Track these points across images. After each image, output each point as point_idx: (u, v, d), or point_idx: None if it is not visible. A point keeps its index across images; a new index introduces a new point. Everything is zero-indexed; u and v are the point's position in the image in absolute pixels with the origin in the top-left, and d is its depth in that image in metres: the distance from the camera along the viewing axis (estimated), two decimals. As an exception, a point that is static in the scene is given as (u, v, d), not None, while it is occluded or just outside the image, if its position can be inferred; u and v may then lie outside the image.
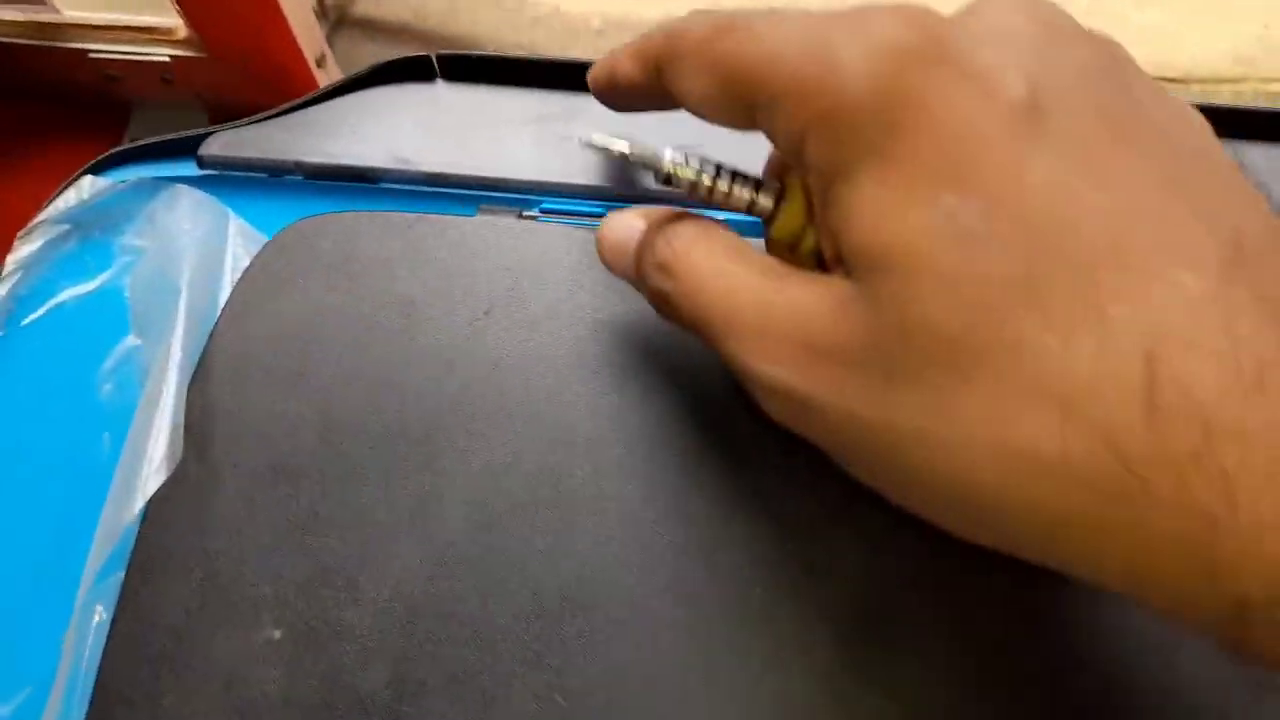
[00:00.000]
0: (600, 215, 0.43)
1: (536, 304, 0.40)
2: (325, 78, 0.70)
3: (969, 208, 0.22)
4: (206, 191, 0.43)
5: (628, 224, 0.34)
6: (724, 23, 0.27)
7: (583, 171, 0.44)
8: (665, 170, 0.32)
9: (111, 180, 0.44)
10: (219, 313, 0.41)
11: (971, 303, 0.22)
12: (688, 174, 0.32)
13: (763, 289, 0.27)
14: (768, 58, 0.25)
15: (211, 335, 0.40)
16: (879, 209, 0.24)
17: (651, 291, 0.31)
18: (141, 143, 0.43)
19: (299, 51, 0.66)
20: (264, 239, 0.43)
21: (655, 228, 0.31)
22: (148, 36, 0.68)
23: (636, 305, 0.40)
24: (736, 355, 0.27)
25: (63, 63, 0.69)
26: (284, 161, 0.43)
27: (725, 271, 0.28)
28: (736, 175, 0.32)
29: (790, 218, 0.31)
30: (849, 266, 0.25)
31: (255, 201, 0.44)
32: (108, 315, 0.42)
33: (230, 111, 0.75)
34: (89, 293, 0.42)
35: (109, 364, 0.41)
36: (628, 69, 0.31)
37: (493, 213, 0.43)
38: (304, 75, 0.69)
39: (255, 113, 0.74)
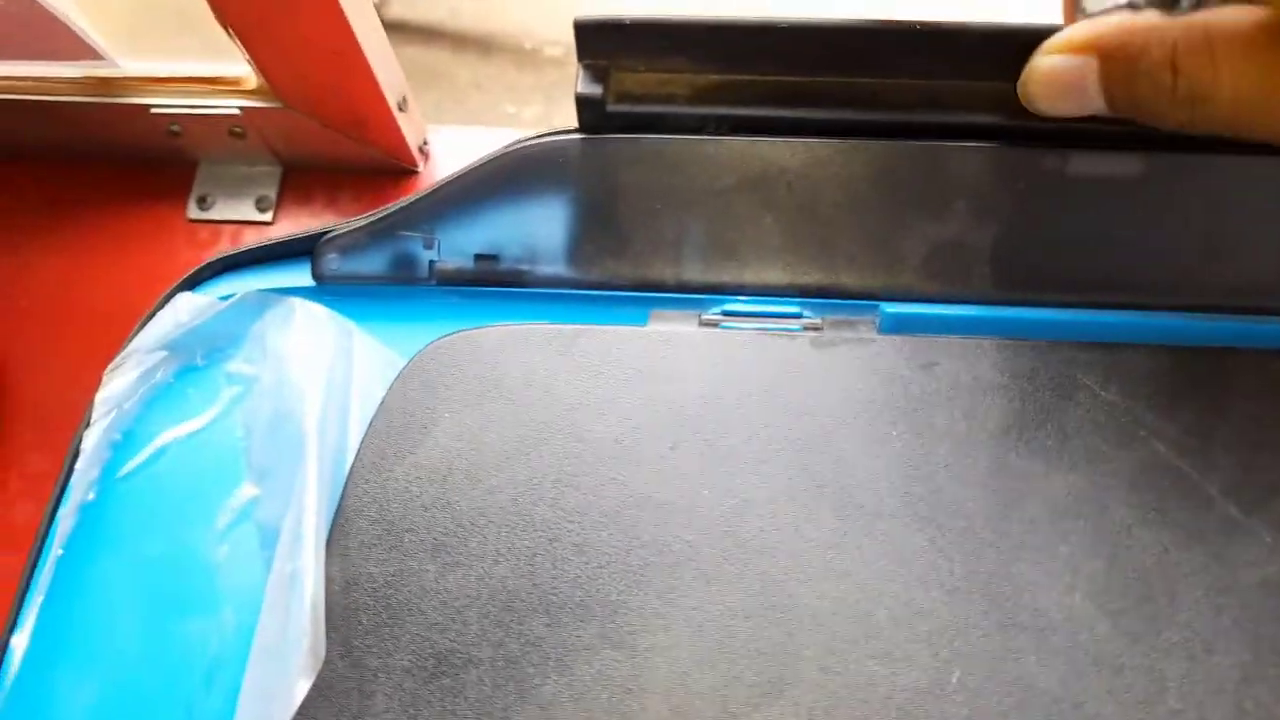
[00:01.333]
0: (794, 316, 0.36)
1: (733, 431, 0.33)
2: (408, 122, 0.63)
3: None
4: (325, 302, 0.37)
5: (1067, 63, 0.30)
6: None
7: (771, 261, 0.36)
8: None
9: (211, 296, 0.37)
10: (352, 455, 0.34)
11: None
12: None
13: None
14: None
15: (347, 486, 0.33)
16: None
17: (1173, 122, 0.29)
18: (244, 249, 0.37)
19: (381, 97, 0.59)
20: (398, 359, 0.36)
21: (1135, 51, 0.29)
22: (215, 88, 0.61)
23: (850, 424, 0.33)
24: None
25: (122, 119, 0.63)
26: (416, 269, 0.36)
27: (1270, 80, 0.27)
28: None
29: None
30: None
31: (384, 311, 0.37)
32: (219, 460, 0.35)
33: (306, 164, 0.69)
34: (195, 433, 0.36)
35: (224, 521, 0.35)
36: None
37: (668, 319, 0.36)
38: (387, 122, 0.62)
39: (333, 165, 0.67)
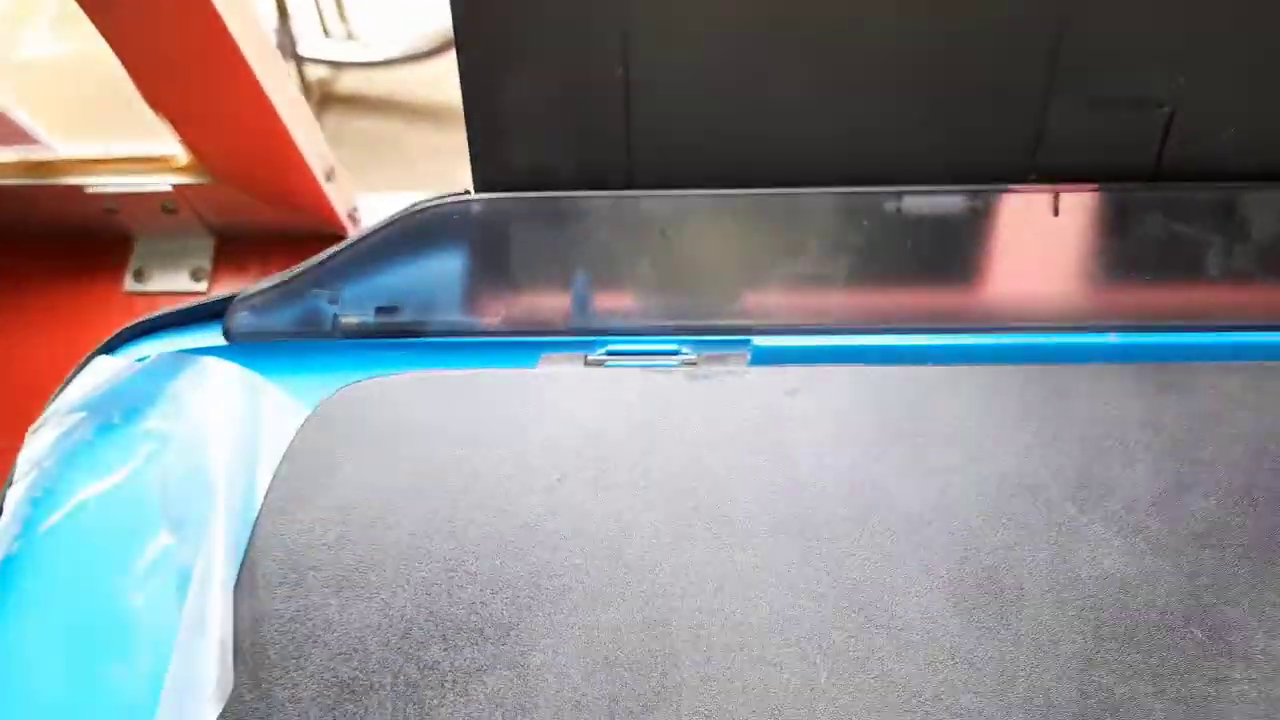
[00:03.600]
0: (672, 353, 0.39)
1: (616, 462, 0.36)
2: (336, 191, 0.67)
3: None
4: (236, 359, 0.39)
5: None
6: None
7: (652, 303, 0.39)
8: None
9: (127, 358, 0.39)
10: (261, 501, 0.36)
11: None
12: None
13: None
14: None
15: (255, 530, 0.35)
16: None
17: None
18: (158, 314, 0.39)
19: (307, 169, 0.63)
20: (305, 409, 0.38)
21: None
22: (147, 166, 0.65)
23: (722, 449, 0.36)
24: None
25: (59, 199, 0.66)
26: (320, 326, 0.39)
27: None
28: None
29: None
30: None
31: (292, 365, 0.40)
32: (136, 512, 0.37)
33: (239, 234, 0.71)
34: (113, 488, 0.38)
35: (141, 567, 0.36)
36: None
37: (556, 361, 0.38)
38: (314, 192, 0.65)
39: (265, 234, 0.70)
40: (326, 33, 2.09)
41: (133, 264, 0.70)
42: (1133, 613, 0.33)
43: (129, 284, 0.69)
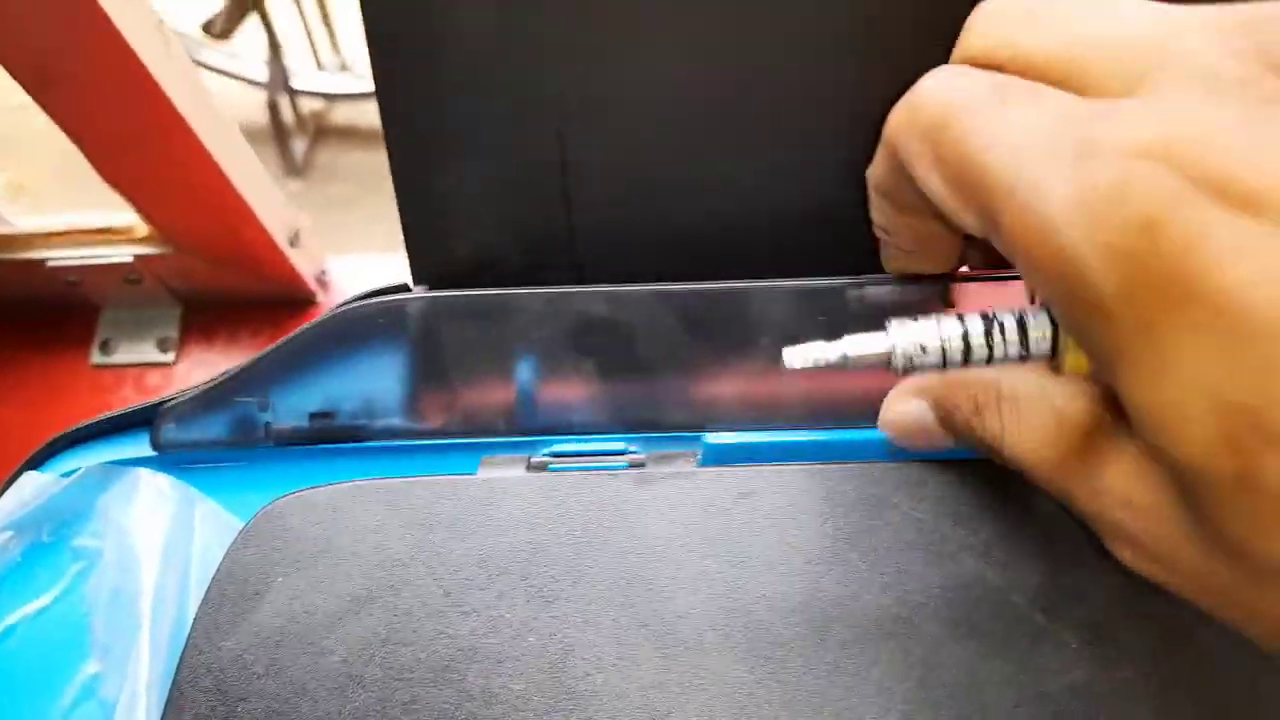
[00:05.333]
0: (619, 453, 0.37)
1: (558, 575, 0.34)
2: (302, 257, 0.65)
3: None
4: (169, 471, 0.38)
5: (909, 412, 0.33)
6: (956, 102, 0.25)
7: (597, 400, 0.38)
8: (899, 366, 0.30)
9: (54, 474, 0.38)
10: (192, 621, 0.35)
11: None
12: (928, 360, 0.30)
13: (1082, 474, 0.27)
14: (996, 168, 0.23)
15: (183, 658, 0.34)
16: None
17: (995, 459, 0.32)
18: (87, 423, 0.38)
19: (268, 235, 0.61)
20: (238, 521, 0.37)
21: (954, 412, 0.31)
22: (107, 238, 0.63)
23: (671, 559, 0.34)
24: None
25: (20, 274, 0.64)
26: (252, 434, 0.37)
27: (1047, 459, 0.28)
28: (990, 328, 0.29)
29: (1078, 358, 0.28)
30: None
31: (224, 476, 0.38)
32: (64, 638, 0.36)
33: (206, 302, 0.70)
34: (40, 611, 0.36)
35: (68, 700, 0.35)
36: (877, 173, 0.31)
37: (497, 464, 0.37)
38: (278, 259, 0.64)
39: (233, 301, 0.69)
40: (320, 65, 2.09)
41: (99, 336, 0.68)
42: None
43: (95, 357, 0.68)
